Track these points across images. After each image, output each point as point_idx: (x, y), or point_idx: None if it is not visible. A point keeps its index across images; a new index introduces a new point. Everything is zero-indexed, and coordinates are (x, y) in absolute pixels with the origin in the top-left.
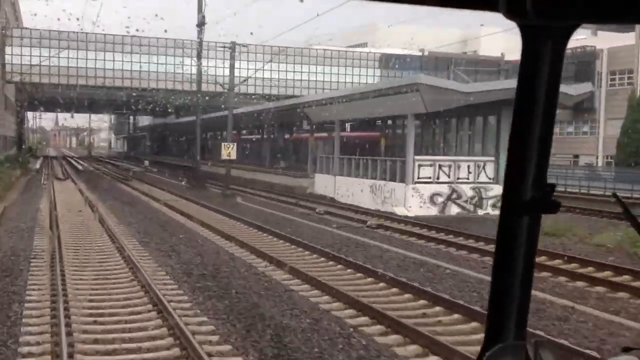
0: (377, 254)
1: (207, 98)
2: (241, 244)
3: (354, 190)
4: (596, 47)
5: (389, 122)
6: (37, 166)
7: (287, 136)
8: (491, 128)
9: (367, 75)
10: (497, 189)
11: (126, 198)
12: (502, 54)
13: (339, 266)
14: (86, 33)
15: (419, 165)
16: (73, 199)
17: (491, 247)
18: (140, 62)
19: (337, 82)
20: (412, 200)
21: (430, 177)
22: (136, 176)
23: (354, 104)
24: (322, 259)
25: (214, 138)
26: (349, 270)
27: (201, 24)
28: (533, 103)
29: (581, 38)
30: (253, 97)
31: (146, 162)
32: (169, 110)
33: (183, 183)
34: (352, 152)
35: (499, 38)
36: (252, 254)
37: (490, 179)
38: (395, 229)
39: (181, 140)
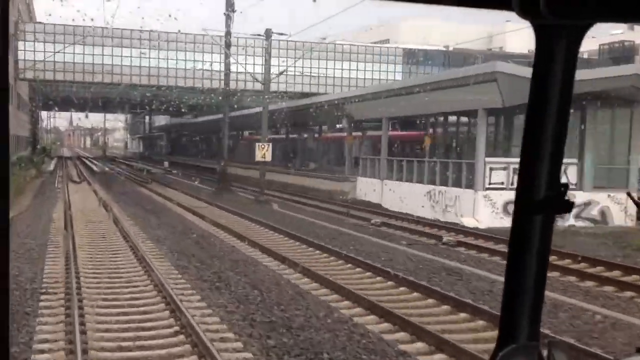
0: (482, 287)
1: (238, 94)
2: (302, 271)
3: (406, 196)
4: (635, 42)
5: (440, 119)
6: (51, 167)
7: (316, 135)
8: (572, 125)
9: (387, 71)
10: (583, 196)
11: (149, 205)
12: (529, 50)
13: (445, 307)
14: (102, 28)
15: (491, 169)
16: (90, 205)
17: (605, 272)
18: (158, 59)
19: (364, 78)
20: (483, 209)
21: (503, 183)
22: (156, 178)
23: (408, 99)
24: (416, 294)
25: (235, 138)
26: (462, 315)
27: (230, 10)
28: (547, 102)
29: (618, 33)
30: (275, 94)
31: (166, 164)
32: (183, 109)
33: (212, 189)
34: (398, 154)
35: (525, 34)
36: (322, 285)
37: (573, 184)
38: (480, 247)
39: (202, 140)
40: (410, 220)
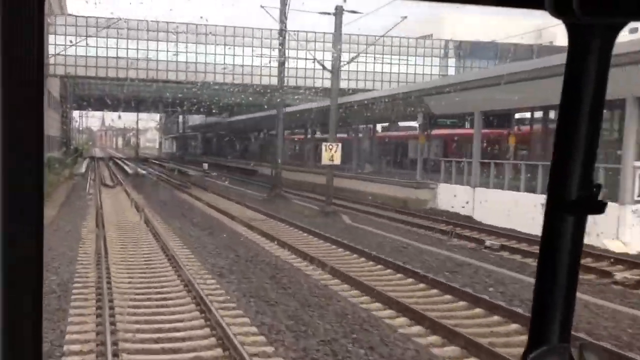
0: None
1: (281, 90)
2: (448, 335)
3: (509, 208)
4: None
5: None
6: (83, 169)
7: (372, 134)
8: None
9: (431, 65)
10: None
11: (195, 216)
12: None
13: None
14: (137, 20)
15: None
16: (127, 217)
17: None
18: (196, 53)
19: (413, 73)
20: (633, 229)
21: None
22: (195, 182)
23: (511, 88)
24: None
25: (271, 137)
26: None
27: (285, 3)
28: (580, 102)
29: None
30: (315, 91)
31: (205, 165)
32: (221, 106)
33: (263, 195)
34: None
35: None
36: None
37: None
38: None
39: (241, 140)
40: (532, 241)
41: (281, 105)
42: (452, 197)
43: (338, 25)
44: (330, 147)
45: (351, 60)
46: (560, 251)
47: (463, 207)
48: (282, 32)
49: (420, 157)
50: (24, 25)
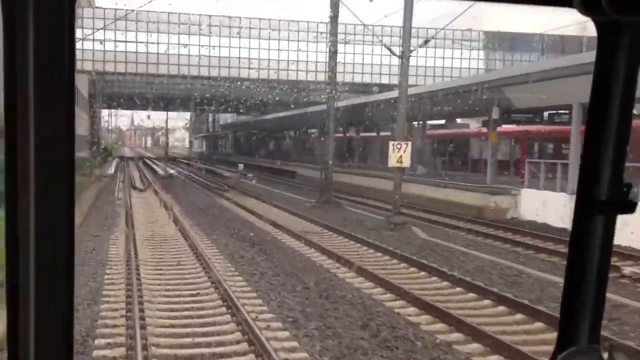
0: None
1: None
2: None
3: (626, 220)
4: None
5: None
6: (112, 170)
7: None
8: None
9: (470, 59)
10: None
11: (242, 228)
12: None
13: None
14: (168, 13)
15: None
16: (163, 229)
17: None
18: (229, 47)
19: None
20: None
21: None
22: (232, 184)
23: None
24: None
25: (305, 136)
26: None
27: None
28: (609, 100)
29: None
30: (341, 86)
31: (240, 166)
32: (243, 107)
33: (312, 201)
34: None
35: None
36: None
37: None
38: None
39: (277, 139)
40: None
41: (332, 101)
42: (539, 205)
43: (408, 6)
44: (399, 146)
45: (423, 44)
46: (589, 251)
47: (561, 217)
48: (333, 22)
49: (490, 157)
50: (56, 30)
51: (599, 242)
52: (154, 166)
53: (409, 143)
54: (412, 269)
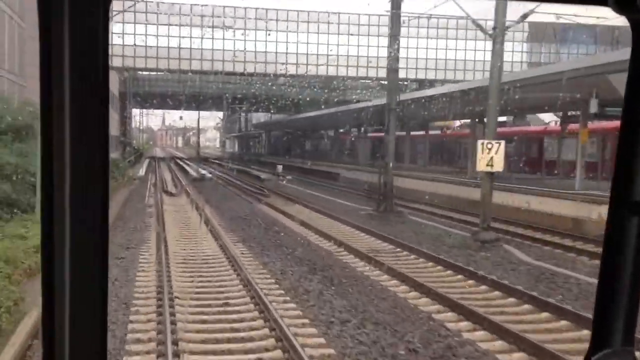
0: None
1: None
2: None
3: None
4: None
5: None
6: (143, 172)
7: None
8: None
9: (513, 51)
10: None
11: (297, 246)
12: None
13: None
14: (201, 6)
15: None
16: (201, 245)
17: None
18: (266, 42)
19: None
20: None
21: None
22: (274, 189)
23: None
24: None
25: (339, 135)
26: None
27: None
28: None
29: None
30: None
31: (279, 168)
32: (276, 105)
33: (369, 210)
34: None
35: None
36: None
37: None
38: None
39: (315, 138)
40: None
41: (394, 94)
42: None
43: None
44: (489, 146)
45: (522, 18)
46: (624, 252)
47: None
48: (395, 12)
49: (580, 159)
50: (91, 31)
51: (634, 243)
52: (186, 167)
53: (502, 142)
54: (545, 315)
